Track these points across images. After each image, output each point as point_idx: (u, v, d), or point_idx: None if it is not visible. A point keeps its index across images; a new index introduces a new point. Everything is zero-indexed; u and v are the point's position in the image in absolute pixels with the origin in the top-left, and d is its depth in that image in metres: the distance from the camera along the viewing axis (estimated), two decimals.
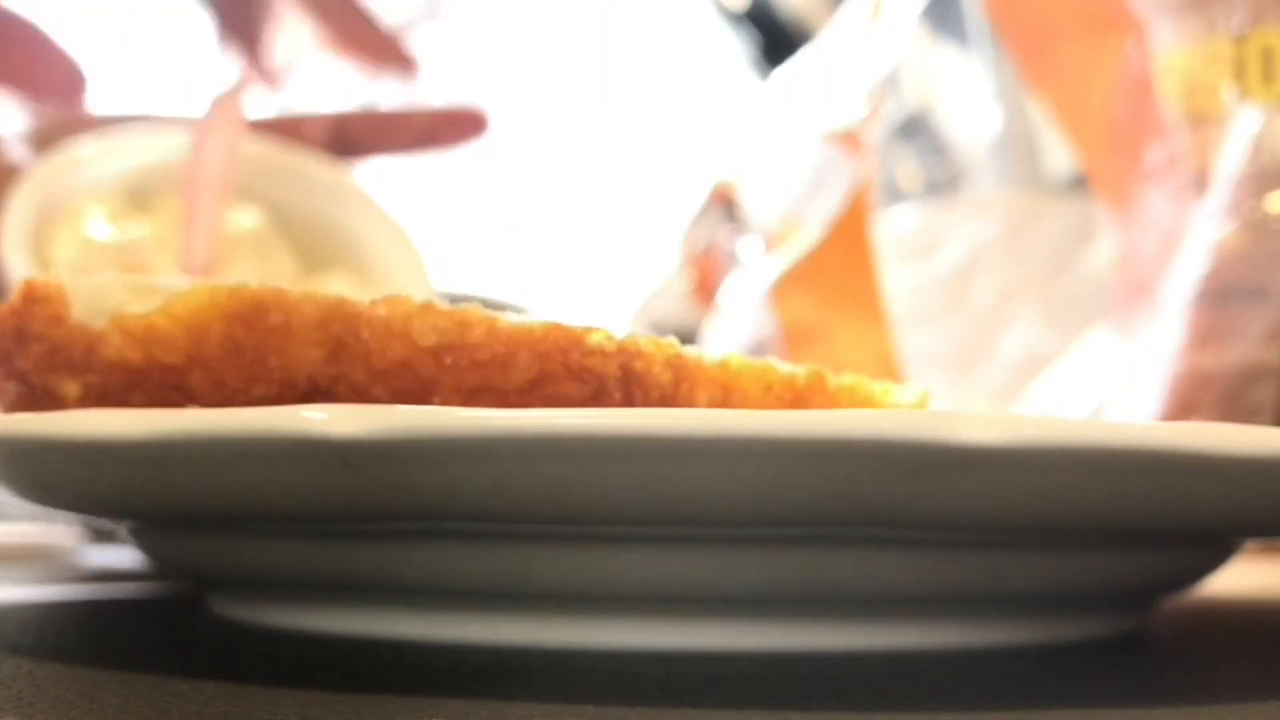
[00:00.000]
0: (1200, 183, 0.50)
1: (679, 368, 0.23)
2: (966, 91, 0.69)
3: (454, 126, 0.58)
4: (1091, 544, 0.23)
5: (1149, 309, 0.51)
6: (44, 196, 0.46)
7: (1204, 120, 0.50)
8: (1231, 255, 0.48)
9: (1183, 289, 0.49)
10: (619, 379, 0.23)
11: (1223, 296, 0.48)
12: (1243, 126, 0.48)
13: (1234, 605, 0.34)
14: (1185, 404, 0.48)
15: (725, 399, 0.24)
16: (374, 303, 0.23)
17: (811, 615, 0.23)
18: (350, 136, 0.56)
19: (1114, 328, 0.55)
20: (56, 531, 0.48)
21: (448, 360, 0.23)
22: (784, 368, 0.25)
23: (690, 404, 0.23)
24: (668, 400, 0.23)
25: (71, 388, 0.24)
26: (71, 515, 0.27)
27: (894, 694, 0.20)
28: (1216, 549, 0.26)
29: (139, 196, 0.49)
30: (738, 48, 1.02)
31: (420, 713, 0.18)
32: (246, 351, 0.23)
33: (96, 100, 0.50)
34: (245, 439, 0.19)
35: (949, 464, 0.19)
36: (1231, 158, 0.48)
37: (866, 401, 0.26)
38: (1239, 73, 0.49)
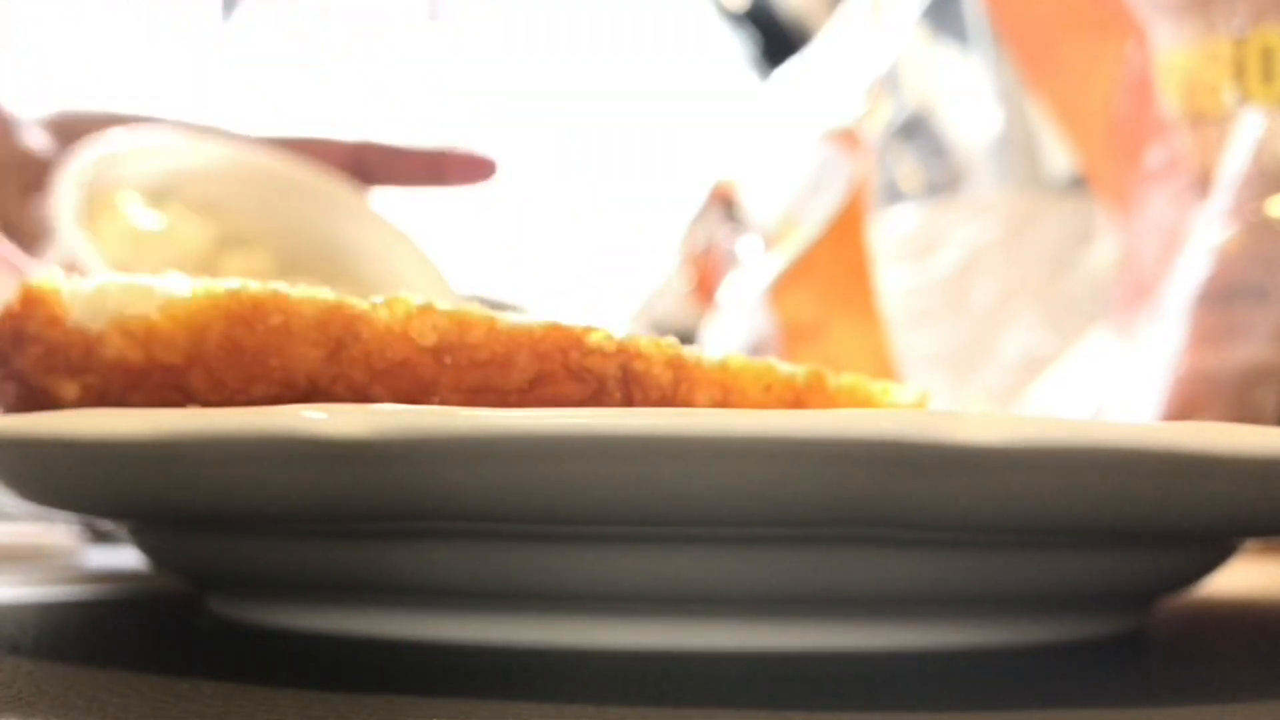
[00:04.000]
0: (1201, 183, 0.50)
1: (679, 368, 0.23)
2: (966, 91, 0.69)
3: (462, 168, 0.59)
4: (1091, 544, 0.23)
5: (1149, 310, 0.51)
6: (89, 184, 0.47)
7: (1204, 120, 0.50)
8: (1234, 256, 0.48)
9: (1185, 290, 0.49)
10: (619, 379, 0.23)
11: (1225, 297, 0.48)
12: (1245, 128, 0.48)
13: (1234, 605, 0.34)
14: (1187, 404, 0.48)
15: (725, 399, 0.24)
16: (374, 303, 0.23)
17: (811, 615, 0.23)
18: (365, 165, 0.57)
19: (1114, 329, 0.55)
20: (56, 531, 0.48)
21: (447, 360, 0.23)
22: (784, 368, 0.25)
23: (690, 404, 0.23)
24: (668, 400, 0.23)
25: (70, 389, 0.24)
26: (71, 515, 0.27)
27: (894, 694, 0.20)
28: (1216, 549, 0.26)
29: (157, 193, 0.50)
30: (738, 48, 1.03)
31: (420, 713, 0.18)
32: (246, 352, 0.23)
33: (114, 97, 0.51)
34: (245, 439, 0.19)
35: (949, 464, 0.19)
36: (1234, 159, 0.48)
37: (866, 401, 0.26)
38: (1239, 73, 0.49)
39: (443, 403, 0.23)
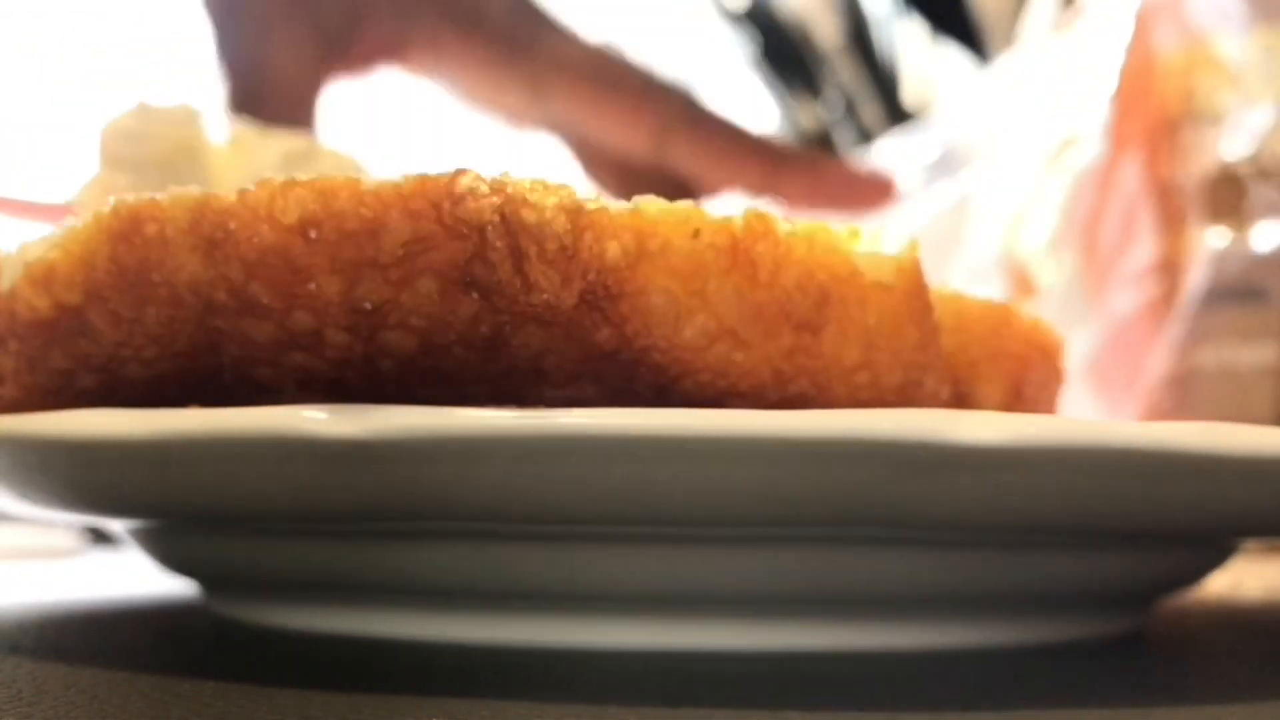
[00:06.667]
0: (1201, 184, 0.50)
1: (577, 213, 0.20)
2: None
3: (863, 192, 0.53)
4: (1091, 544, 0.23)
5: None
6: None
7: (1204, 120, 0.50)
8: (1234, 257, 0.48)
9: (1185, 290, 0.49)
10: (501, 228, 0.20)
11: (1225, 297, 0.48)
12: (1245, 128, 0.48)
13: (1234, 605, 0.34)
14: (1186, 405, 0.48)
15: (641, 247, 0.21)
16: (241, 191, 0.21)
17: (811, 615, 0.23)
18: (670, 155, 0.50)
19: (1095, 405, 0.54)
20: (56, 532, 0.48)
21: (313, 235, 0.21)
22: (713, 211, 0.21)
23: (598, 255, 0.21)
24: (569, 254, 0.20)
25: (5, 360, 0.24)
26: (71, 516, 0.27)
27: (894, 694, 0.20)
28: (1216, 549, 0.26)
29: None
30: (738, 48, 1.02)
31: (420, 713, 0.18)
32: (130, 272, 0.22)
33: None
34: (245, 439, 0.19)
35: (949, 463, 0.19)
36: (1234, 160, 0.48)
37: (827, 249, 0.22)
38: (1239, 73, 0.49)
39: (319, 290, 0.21)
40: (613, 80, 0.50)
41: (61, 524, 0.46)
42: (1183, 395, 0.48)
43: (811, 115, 0.97)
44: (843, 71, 0.97)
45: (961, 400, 0.26)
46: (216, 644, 0.25)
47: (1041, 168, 0.58)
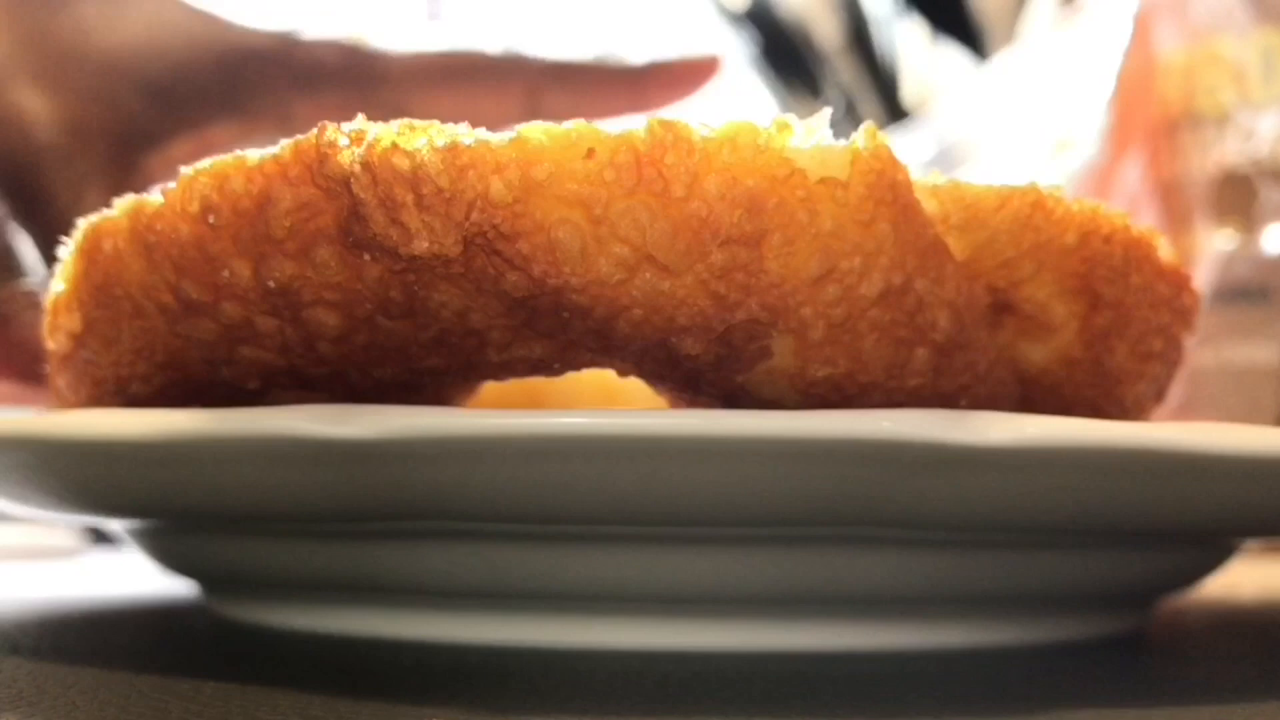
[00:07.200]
0: (1202, 185, 0.50)
1: (454, 153, 0.19)
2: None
3: (673, 82, 0.53)
4: (1091, 544, 0.23)
5: None
6: None
7: (1204, 120, 0.50)
8: (1234, 257, 0.48)
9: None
10: (364, 178, 0.19)
11: (1225, 297, 0.48)
12: (1245, 129, 0.48)
13: (1234, 605, 0.34)
14: (1187, 404, 0.48)
15: (527, 179, 0.19)
16: (164, 189, 0.21)
17: (811, 615, 0.23)
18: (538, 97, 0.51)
19: None
20: (56, 532, 0.48)
21: (213, 220, 0.20)
22: (610, 127, 0.19)
23: (484, 194, 0.19)
24: (451, 201, 0.19)
25: (64, 396, 0.24)
26: (72, 516, 0.27)
27: (894, 694, 0.20)
28: (1216, 549, 0.26)
29: None
30: (738, 48, 1.02)
31: (420, 713, 0.18)
32: (102, 290, 0.22)
33: None
34: (246, 439, 0.19)
35: (950, 463, 0.19)
36: (1234, 160, 0.48)
37: (755, 149, 0.19)
38: (1239, 73, 0.49)
39: (234, 276, 0.20)
40: (465, 69, 0.50)
41: (61, 524, 0.46)
42: (1187, 395, 0.48)
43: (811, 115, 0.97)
44: (843, 71, 0.97)
45: (1008, 310, 0.23)
46: (216, 644, 0.25)
47: (1039, 167, 0.58)
